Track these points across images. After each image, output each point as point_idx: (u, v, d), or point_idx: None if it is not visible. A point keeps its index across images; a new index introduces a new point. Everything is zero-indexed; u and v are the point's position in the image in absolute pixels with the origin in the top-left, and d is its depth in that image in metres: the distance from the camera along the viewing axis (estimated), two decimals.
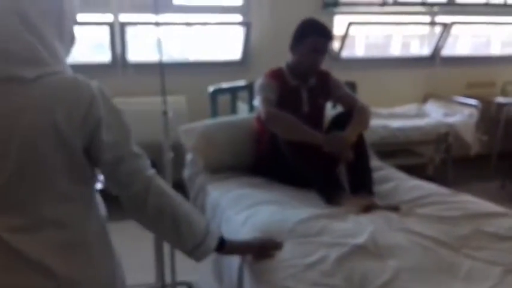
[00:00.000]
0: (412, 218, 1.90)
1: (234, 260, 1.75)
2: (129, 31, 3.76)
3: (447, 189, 2.27)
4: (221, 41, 4.32)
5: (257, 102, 2.43)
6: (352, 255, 1.59)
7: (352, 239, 1.68)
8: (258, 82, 2.50)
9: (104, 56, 3.82)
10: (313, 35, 2.39)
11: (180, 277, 2.41)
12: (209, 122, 2.77)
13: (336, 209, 2.01)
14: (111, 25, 3.68)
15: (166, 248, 2.33)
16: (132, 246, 2.91)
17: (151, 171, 1.25)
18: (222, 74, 3.59)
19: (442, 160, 4.20)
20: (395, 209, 2.00)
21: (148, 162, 1.25)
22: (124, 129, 1.20)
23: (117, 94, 3.54)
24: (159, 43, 2.20)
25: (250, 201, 2.05)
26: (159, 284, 2.32)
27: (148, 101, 3.39)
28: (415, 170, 3.23)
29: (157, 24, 2.41)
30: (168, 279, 2.37)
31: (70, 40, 1.22)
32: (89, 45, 4.07)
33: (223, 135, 2.60)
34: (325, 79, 2.57)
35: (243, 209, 1.98)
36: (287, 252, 1.62)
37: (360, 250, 1.62)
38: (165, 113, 2.14)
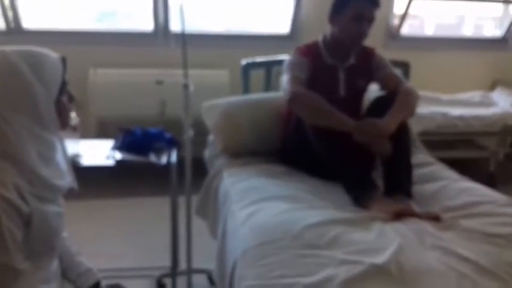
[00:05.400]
0: (453, 232, 1.53)
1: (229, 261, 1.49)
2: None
3: (506, 196, 1.86)
4: (269, 13, 4.07)
5: (284, 80, 2.11)
6: (366, 278, 1.26)
7: (369, 256, 1.34)
8: (288, 58, 2.18)
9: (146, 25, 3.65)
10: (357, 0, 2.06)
11: (197, 264, 2.22)
12: (233, 99, 2.47)
13: (360, 213, 1.67)
14: None
15: (182, 232, 2.16)
16: (149, 225, 2.76)
17: None
18: (268, 48, 3.29)
19: (507, 155, 3.86)
20: (434, 218, 1.63)
21: None
22: None
23: (158, 65, 3.40)
24: (181, 11, 1.99)
25: (258, 195, 1.75)
26: (174, 270, 2.18)
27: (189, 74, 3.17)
28: (475, 164, 2.86)
29: None
30: (183, 265, 2.20)
31: None
32: (130, 13, 3.88)
33: (247, 114, 2.31)
34: (367, 57, 2.22)
35: (248, 205, 1.69)
36: (285, 266, 1.32)
37: (377, 272, 1.29)
38: (185, 86, 1.94)
